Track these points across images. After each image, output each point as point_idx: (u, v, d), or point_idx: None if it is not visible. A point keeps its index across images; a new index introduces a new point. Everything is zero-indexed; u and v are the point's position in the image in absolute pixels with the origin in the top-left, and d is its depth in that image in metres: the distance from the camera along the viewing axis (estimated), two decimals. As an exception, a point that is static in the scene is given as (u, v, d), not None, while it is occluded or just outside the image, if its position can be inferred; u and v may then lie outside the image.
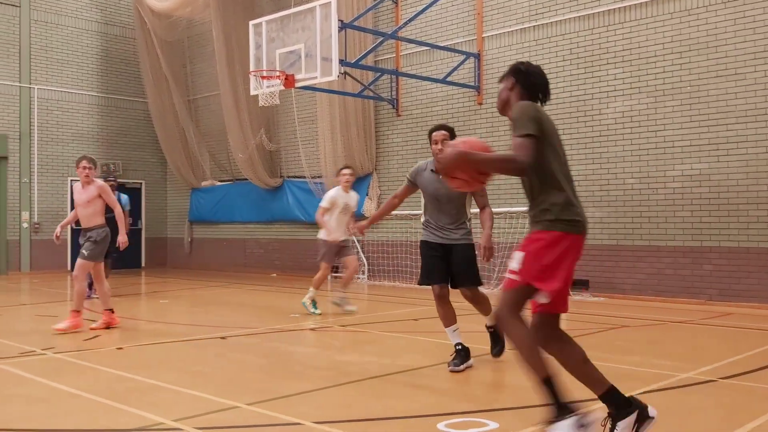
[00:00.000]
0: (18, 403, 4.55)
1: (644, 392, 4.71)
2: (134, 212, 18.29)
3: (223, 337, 7.14)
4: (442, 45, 12.61)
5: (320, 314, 8.77)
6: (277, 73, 11.23)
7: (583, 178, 10.95)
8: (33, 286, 13.57)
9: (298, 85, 11.23)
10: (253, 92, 12.02)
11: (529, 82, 3.65)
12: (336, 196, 8.94)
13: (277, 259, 16.12)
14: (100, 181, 7.70)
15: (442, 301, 5.63)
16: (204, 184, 17.71)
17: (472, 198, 5.68)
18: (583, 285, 10.99)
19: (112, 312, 7.60)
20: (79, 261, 7.46)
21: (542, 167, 3.35)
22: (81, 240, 7.60)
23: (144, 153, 18.48)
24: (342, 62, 10.73)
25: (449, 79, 12.29)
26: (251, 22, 11.91)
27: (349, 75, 12.09)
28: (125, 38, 18.09)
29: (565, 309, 3.47)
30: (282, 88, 11.27)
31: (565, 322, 8.61)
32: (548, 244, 3.32)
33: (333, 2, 10.55)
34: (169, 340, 7.08)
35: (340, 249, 9.06)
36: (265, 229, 16.54)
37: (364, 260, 14.02)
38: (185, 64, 17.99)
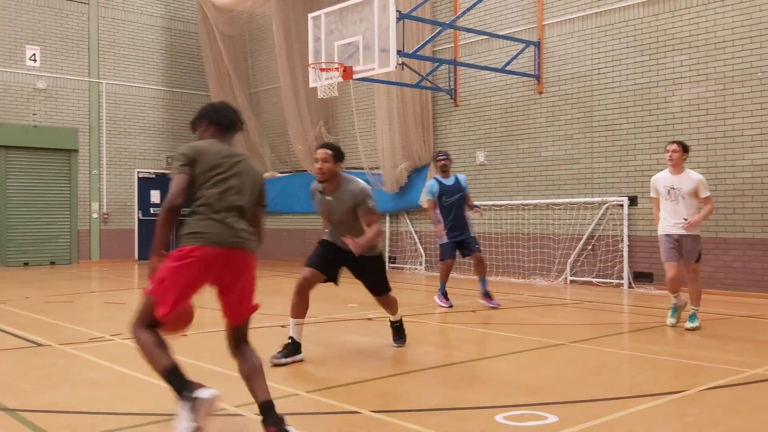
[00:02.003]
0: (87, 387, 4.74)
1: (711, 387, 4.58)
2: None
3: (283, 326, 7.25)
4: (501, 34, 12.46)
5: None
6: (336, 65, 11.30)
7: (647, 168, 10.66)
8: (102, 275, 14.08)
9: (356, 76, 11.27)
10: (312, 85, 12.13)
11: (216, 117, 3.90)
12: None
13: (335, 250, 16.26)
14: None
15: (303, 288, 5.52)
16: (265, 175, 17.98)
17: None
18: (647, 278, 10.74)
19: None
20: None
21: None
22: None
23: (207, 145, 18.86)
24: (400, 53, 10.71)
25: (508, 68, 12.13)
26: (310, 15, 12.01)
27: (407, 66, 12.07)
28: (188, 33, 18.50)
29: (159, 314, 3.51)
30: (340, 80, 11.34)
31: (630, 316, 8.46)
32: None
33: (391, -7, 10.53)
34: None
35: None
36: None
37: (422, 251, 14.01)
38: (246, 58, 18.28)
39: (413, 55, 11.48)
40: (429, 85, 13.30)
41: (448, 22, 12.15)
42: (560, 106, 11.91)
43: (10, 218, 15.79)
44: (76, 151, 16.70)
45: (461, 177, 8.92)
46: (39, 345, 6.24)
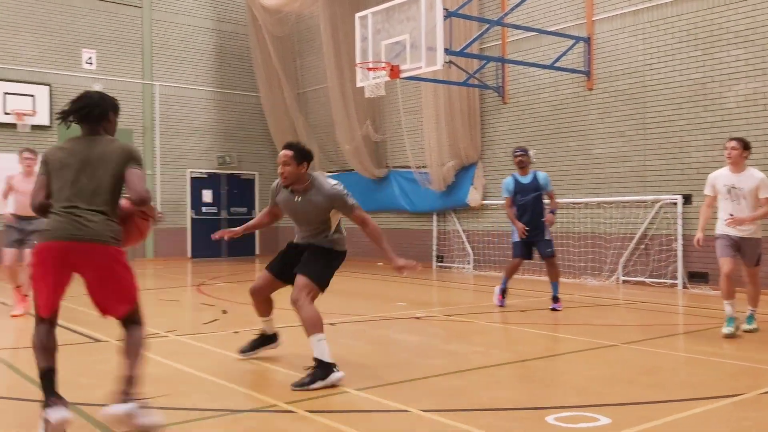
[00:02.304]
0: (144, 382, 4.86)
1: (764, 393, 4.45)
2: (248, 202, 19.11)
3: (332, 324, 7.33)
4: (550, 30, 12.30)
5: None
6: (383, 65, 11.34)
7: (702, 165, 10.40)
8: (157, 272, 14.43)
9: (403, 75, 11.29)
10: (359, 84, 12.19)
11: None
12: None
13: (383, 248, 16.29)
14: None
15: (255, 294, 5.41)
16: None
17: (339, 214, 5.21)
18: (702, 278, 10.48)
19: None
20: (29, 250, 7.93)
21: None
22: (21, 229, 7.89)
23: (257, 145, 19.18)
24: (447, 51, 10.68)
25: (557, 64, 11.98)
26: (357, 15, 12.07)
27: (454, 64, 12.03)
28: (238, 35, 18.80)
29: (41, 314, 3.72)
30: (387, 79, 11.37)
31: (684, 317, 8.27)
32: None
33: (438, -9, 10.51)
34: (281, 325, 7.32)
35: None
36: (371, 219, 16.74)
37: (470, 250, 13.95)
38: (295, 58, 18.47)
39: (460, 53, 11.44)
40: (476, 82, 13.23)
41: (495, 20, 12.07)
42: (611, 102, 11.71)
43: (69, 217, 16.29)
44: (131, 151, 17.11)
45: (541, 175, 8.46)
46: (97, 341, 6.44)
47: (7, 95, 15.28)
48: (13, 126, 15.34)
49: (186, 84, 18.00)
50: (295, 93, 18.13)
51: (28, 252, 7.65)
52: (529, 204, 8.30)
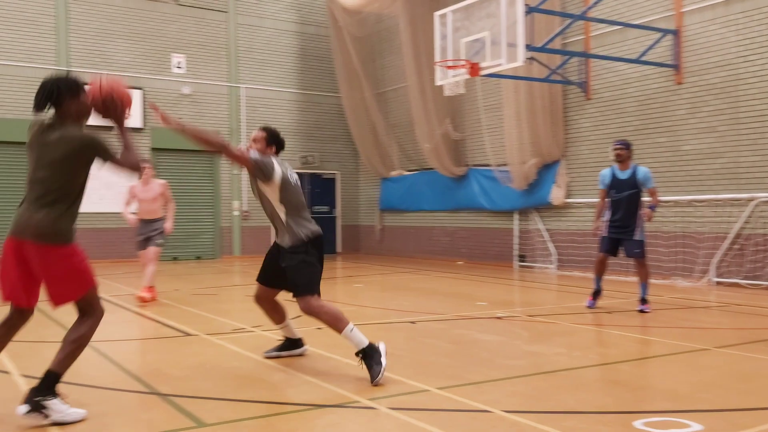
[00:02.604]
0: (231, 376, 5.03)
1: None
2: (330, 201, 19.43)
3: (412, 322, 7.36)
4: (635, 23, 11.92)
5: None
6: (463, 62, 11.29)
7: (803, 160, 9.84)
8: (243, 269, 14.87)
9: (483, 73, 11.20)
10: (438, 83, 12.18)
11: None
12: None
13: (463, 247, 16.24)
14: (161, 180, 9.31)
15: (259, 303, 5.45)
16: (393, 173, 18.28)
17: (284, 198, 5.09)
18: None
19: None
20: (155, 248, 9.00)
21: None
22: (145, 230, 9.03)
23: (338, 145, 19.46)
24: (528, 47, 10.53)
25: (644, 58, 11.59)
26: (437, 13, 12.06)
27: (536, 60, 11.83)
28: (319, 36, 19.11)
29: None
30: (467, 76, 11.31)
31: (744, 318, 7.86)
32: None
33: (519, -13, 10.37)
34: (362, 322, 7.42)
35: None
36: (450, 218, 16.73)
37: (553, 249, 13.70)
38: (375, 59, 18.62)
39: (542, 49, 11.24)
40: (559, 78, 12.97)
41: (578, 14, 11.79)
42: (702, 96, 11.24)
43: (160, 216, 17.05)
44: (219, 153, 17.67)
45: (641, 170, 7.99)
46: (188, 335, 6.70)
47: (103, 100, 16.09)
48: (110, 129, 16.09)
49: (270, 86, 18.45)
50: (374, 93, 18.28)
51: (152, 250, 8.99)
52: (623, 201, 7.99)
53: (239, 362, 5.47)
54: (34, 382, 3.80)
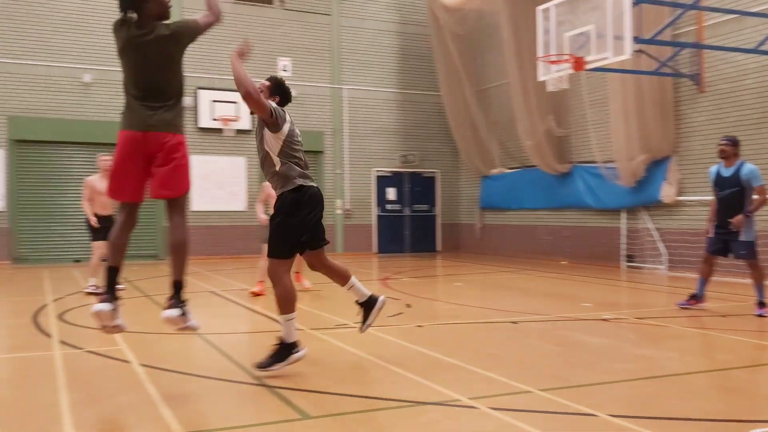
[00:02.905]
0: (334, 371, 5.16)
1: None
2: (430, 199, 19.49)
3: (514, 322, 7.28)
4: (753, 11, 11.24)
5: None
6: (566, 57, 11.03)
7: None
8: (346, 266, 15.12)
9: (588, 67, 10.89)
10: (541, 78, 11.95)
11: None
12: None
13: (567, 247, 15.86)
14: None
15: (315, 270, 5.67)
16: (493, 171, 18.09)
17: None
18: None
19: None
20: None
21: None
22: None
23: (438, 143, 19.48)
24: (636, 39, 10.15)
25: (763, 47, 10.91)
26: (539, 8, 11.84)
27: (644, 52, 11.38)
28: (419, 36, 19.19)
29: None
30: (571, 71, 11.03)
31: None
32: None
33: (627, -23, 10.02)
34: (463, 321, 7.42)
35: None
36: (554, 216, 16.38)
37: (663, 249, 13.14)
38: (475, 56, 18.49)
39: (651, 41, 10.80)
40: (669, 71, 12.42)
41: (690, 3, 11.25)
42: (830, 86, 10.45)
43: (266, 215, 17.70)
44: (322, 152, 18.15)
45: (746, 168, 7.61)
46: (293, 330, 6.90)
47: (215, 103, 16.86)
48: (220, 131, 16.89)
49: (371, 86, 18.71)
50: (475, 90, 18.16)
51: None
52: (725, 199, 7.69)
53: (342, 357, 5.60)
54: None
